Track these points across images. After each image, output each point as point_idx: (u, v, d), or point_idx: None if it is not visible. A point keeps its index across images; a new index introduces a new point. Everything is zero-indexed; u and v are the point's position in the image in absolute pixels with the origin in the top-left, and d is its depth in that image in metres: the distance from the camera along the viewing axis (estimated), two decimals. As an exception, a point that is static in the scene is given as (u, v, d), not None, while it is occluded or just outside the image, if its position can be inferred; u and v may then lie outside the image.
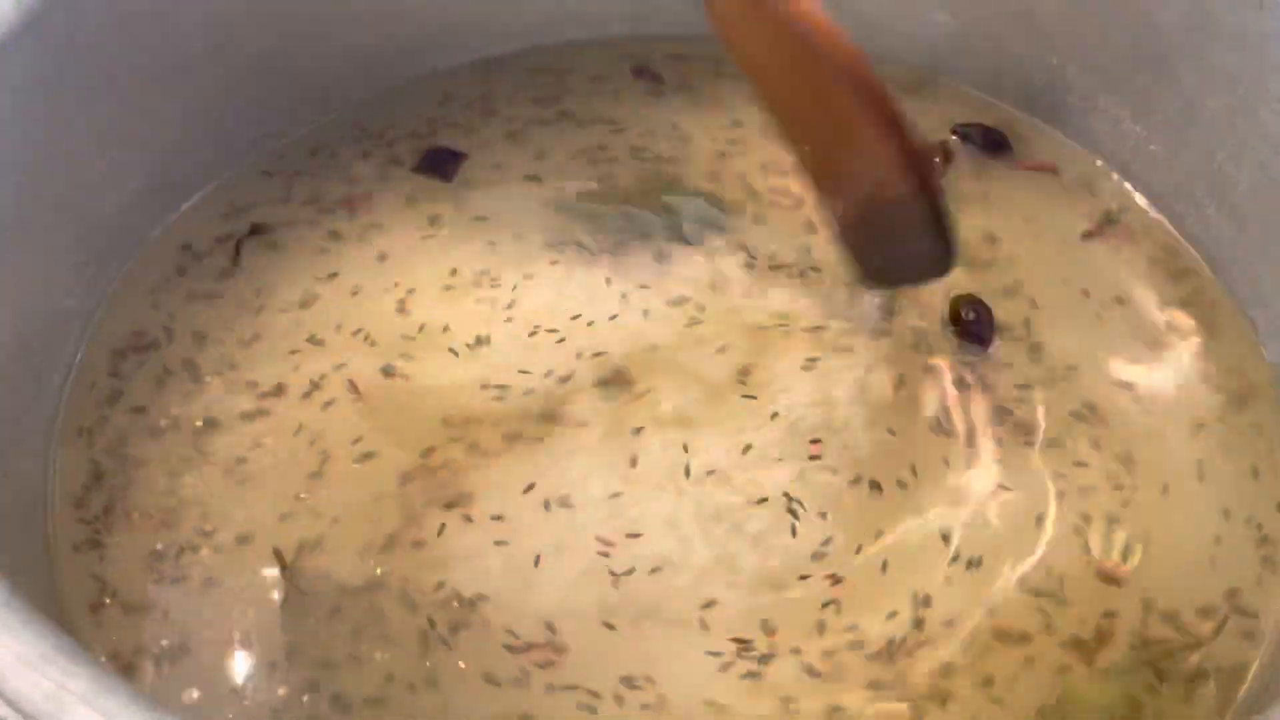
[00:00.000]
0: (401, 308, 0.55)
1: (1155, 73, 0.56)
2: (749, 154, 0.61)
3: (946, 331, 0.55)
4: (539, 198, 0.59)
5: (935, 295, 0.56)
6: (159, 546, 0.49)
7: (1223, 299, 0.57)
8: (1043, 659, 0.47)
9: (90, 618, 0.47)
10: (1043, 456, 0.52)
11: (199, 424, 0.52)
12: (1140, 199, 0.60)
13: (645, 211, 0.59)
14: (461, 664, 0.46)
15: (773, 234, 0.58)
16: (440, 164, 0.60)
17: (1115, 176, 0.61)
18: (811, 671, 0.46)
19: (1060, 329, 0.56)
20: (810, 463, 0.51)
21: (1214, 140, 0.55)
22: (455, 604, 0.48)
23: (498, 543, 0.49)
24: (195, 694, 0.46)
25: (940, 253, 0.53)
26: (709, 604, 0.48)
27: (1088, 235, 0.59)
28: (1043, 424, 0.53)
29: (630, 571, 0.48)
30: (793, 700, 0.46)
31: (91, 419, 0.52)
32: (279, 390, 0.53)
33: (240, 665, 0.47)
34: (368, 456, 0.51)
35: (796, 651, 0.47)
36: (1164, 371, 0.55)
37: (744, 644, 0.47)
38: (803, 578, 0.48)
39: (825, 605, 0.48)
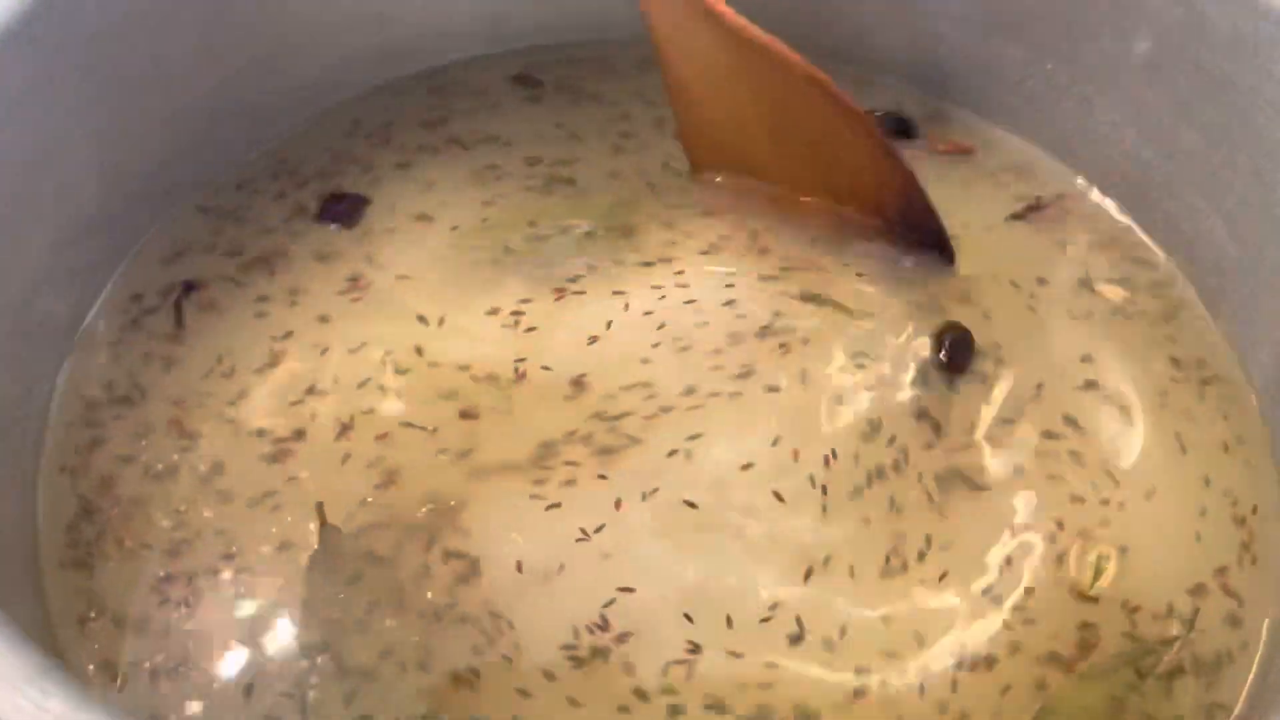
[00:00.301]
0: (396, 367, 0.53)
1: (1149, 78, 0.56)
2: (647, 149, 0.61)
3: (928, 370, 0.53)
4: (449, 248, 0.57)
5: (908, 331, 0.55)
6: (162, 573, 0.48)
7: (1193, 300, 0.58)
8: (1019, 683, 0.47)
9: (78, 631, 0.47)
10: (1006, 494, 0.51)
11: (204, 469, 0.51)
12: (1111, 203, 0.60)
13: (563, 231, 0.58)
14: (429, 594, 0.47)
15: (697, 234, 0.58)
16: (342, 212, 0.58)
17: (1086, 183, 0.61)
18: (642, 695, 0.46)
19: (1021, 341, 0.55)
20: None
21: (1208, 146, 0.55)
22: (441, 511, 0.49)
23: (536, 481, 0.49)
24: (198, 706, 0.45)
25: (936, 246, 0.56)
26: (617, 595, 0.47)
27: (1017, 216, 0.60)
28: (1015, 456, 0.52)
29: (599, 529, 0.48)
30: (629, 711, 0.46)
31: (73, 461, 0.52)
32: (299, 435, 0.51)
33: (254, 657, 0.46)
34: (469, 453, 0.50)
35: (629, 669, 0.46)
36: (1120, 355, 0.56)
37: (597, 628, 0.47)
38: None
39: (676, 663, 0.46)
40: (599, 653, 0.46)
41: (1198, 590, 0.50)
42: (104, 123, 0.53)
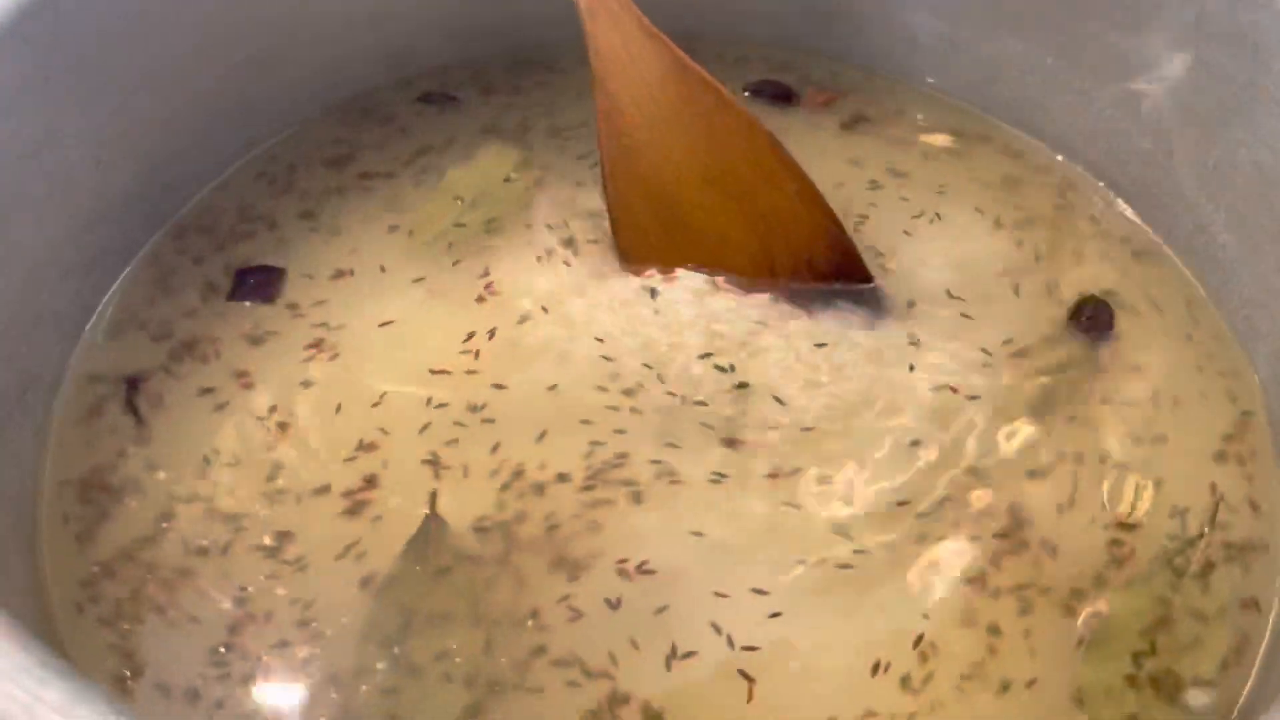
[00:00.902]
0: (470, 404, 0.51)
1: (1149, 72, 0.55)
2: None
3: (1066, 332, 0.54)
4: (390, 286, 0.55)
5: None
6: (222, 649, 0.45)
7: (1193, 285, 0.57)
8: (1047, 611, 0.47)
9: (117, 689, 0.45)
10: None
11: (268, 541, 0.48)
12: (1122, 202, 0.59)
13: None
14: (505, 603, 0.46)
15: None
16: (256, 288, 0.55)
17: (1094, 178, 0.60)
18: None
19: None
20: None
21: (1207, 140, 0.54)
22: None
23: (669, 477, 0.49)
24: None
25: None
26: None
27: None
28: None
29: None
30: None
31: (78, 526, 0.48)
32: (372, 482, 0.49)
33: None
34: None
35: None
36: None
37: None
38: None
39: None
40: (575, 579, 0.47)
41: (1219, 458, 0.51)
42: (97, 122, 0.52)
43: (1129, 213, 0.58)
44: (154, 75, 0.54)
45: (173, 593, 0.47)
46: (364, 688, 0.44)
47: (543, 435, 0.50)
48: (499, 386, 0.51)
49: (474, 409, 0.51)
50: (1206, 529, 0.49)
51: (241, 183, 0.59)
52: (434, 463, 0.50)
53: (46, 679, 0.33)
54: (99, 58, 0.51)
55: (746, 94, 0.63)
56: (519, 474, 0.49)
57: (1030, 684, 0.45)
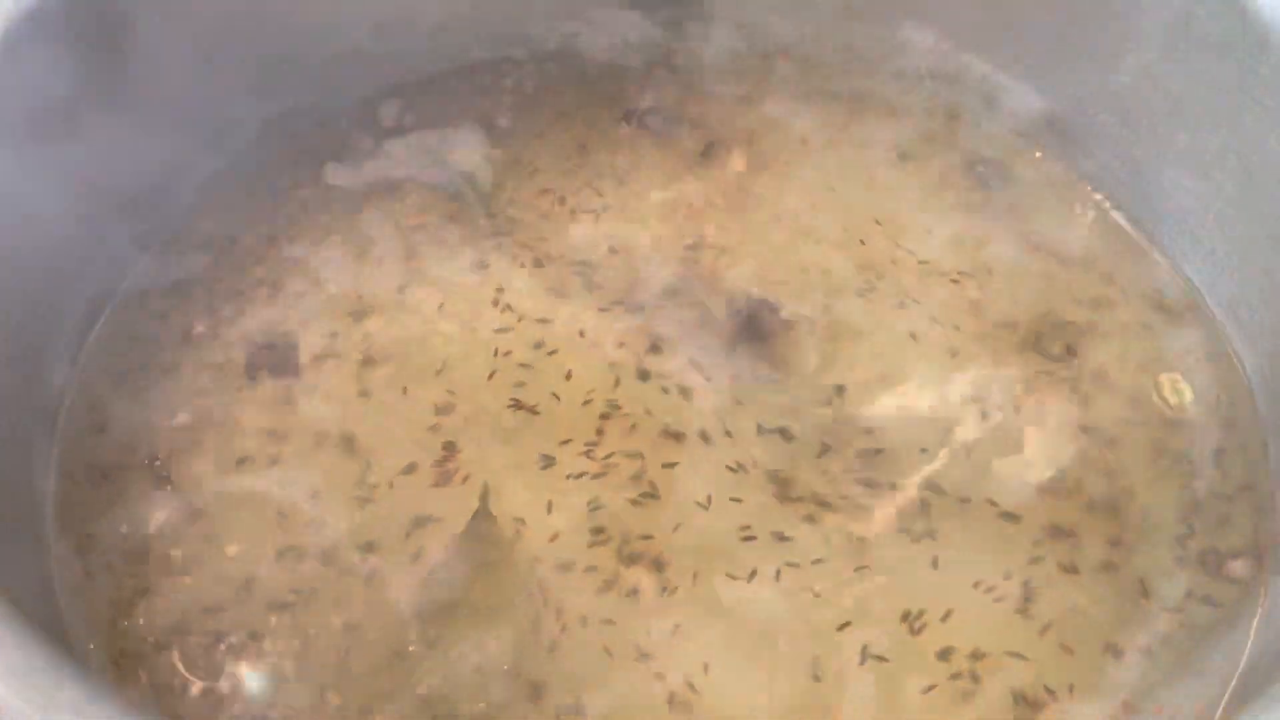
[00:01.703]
0: (535, 343, 0.52)
1: (1139, 78, 0.54)
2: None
3: None
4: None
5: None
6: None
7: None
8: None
9: None
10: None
11: (355, 560, 0.47)
12: (1111, 205, 0.58)
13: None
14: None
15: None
16: (276, 366, 0.52)
17: (1084, 181, 0.59)
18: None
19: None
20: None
21: (1197, 145, 0.53)
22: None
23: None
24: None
25: None
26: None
27: None
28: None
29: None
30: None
31: (110, 591, 0.46)
32: (452, 449, 0.49)
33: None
34: None
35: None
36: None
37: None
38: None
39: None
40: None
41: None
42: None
43: (1119, 217, 0.57)
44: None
45: (236, 660, 0.45)
46: (396, 670, 0.43)
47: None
48: (544, 321, 0.53)
49: (537, 346, 0.52)
50: (1209, 421, 0.51)
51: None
52: (517, 405, 0.50)
53: (61, 680, 0.33)
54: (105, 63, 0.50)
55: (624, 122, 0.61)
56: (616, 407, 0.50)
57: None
